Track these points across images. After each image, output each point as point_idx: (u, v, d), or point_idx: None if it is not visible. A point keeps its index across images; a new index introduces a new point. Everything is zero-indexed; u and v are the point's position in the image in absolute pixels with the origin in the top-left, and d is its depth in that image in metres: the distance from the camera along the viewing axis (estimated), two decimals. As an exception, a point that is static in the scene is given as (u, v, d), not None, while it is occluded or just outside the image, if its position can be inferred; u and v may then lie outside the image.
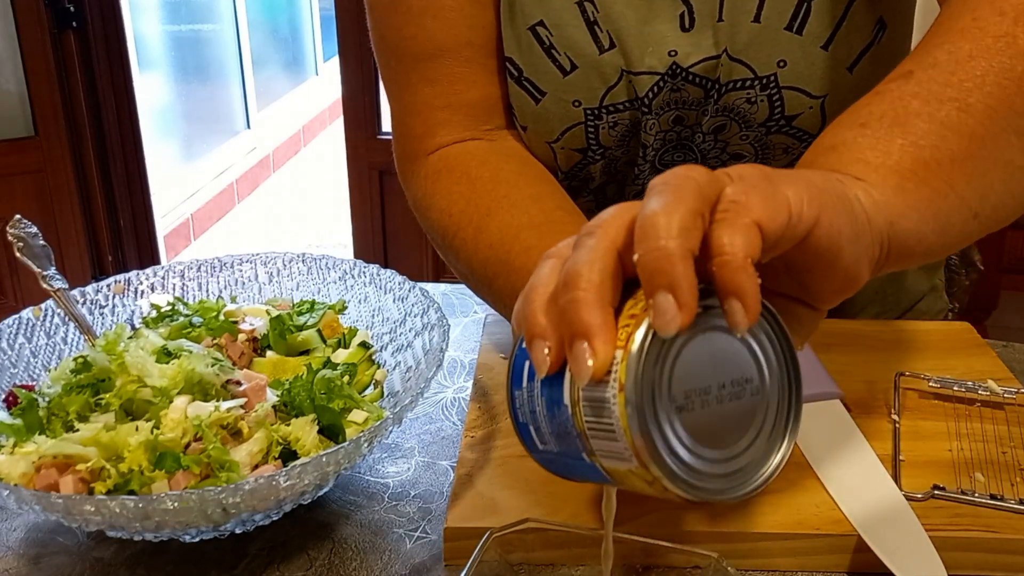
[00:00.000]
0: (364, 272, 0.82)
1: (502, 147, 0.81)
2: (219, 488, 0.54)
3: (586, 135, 0.80)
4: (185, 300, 0.82)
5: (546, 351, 0.41)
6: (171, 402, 0.63)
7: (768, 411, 0.42)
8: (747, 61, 0.74)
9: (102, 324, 0.79)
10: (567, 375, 0.41)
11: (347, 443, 0.58)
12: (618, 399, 0.38)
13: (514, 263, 0.70)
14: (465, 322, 0.93)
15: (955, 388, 0.75)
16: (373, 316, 0.80)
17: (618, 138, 0.80)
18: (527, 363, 0.43)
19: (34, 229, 0.80)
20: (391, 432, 0.63)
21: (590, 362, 0.38)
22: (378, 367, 0.76)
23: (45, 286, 0.76)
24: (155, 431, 0.61)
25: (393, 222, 2.98)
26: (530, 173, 0.79)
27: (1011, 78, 0.52)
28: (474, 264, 0.74)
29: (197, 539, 0.62)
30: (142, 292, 0.82)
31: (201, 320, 0.76)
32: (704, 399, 0.40)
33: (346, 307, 0.80)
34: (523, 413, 0.44)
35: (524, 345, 0.43)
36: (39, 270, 0.77)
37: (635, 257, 0.38)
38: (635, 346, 0.38)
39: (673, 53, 0.74)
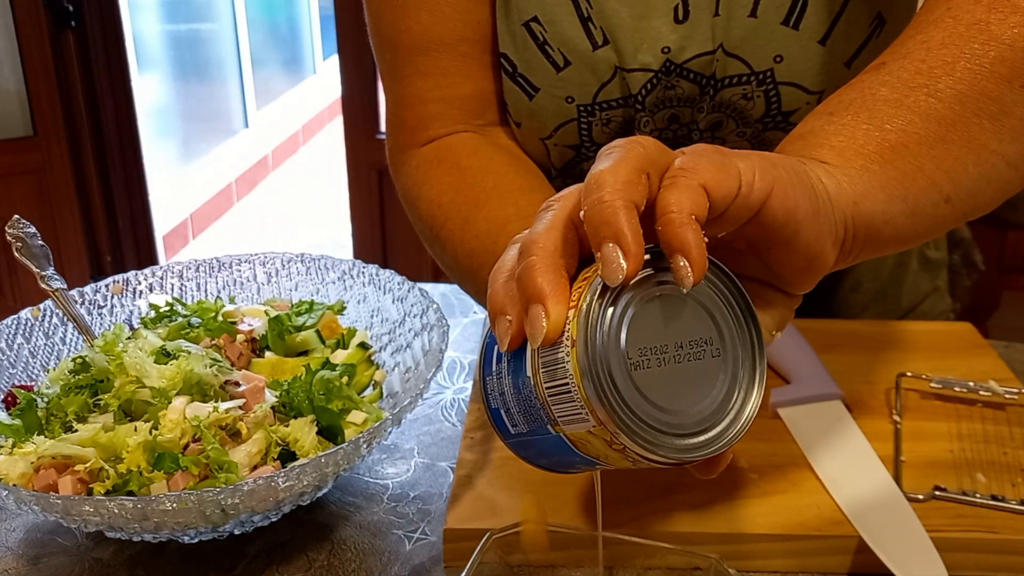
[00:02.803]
0: (363, 272, 0.82)
1: (493, 140, 0.81)
2: (218, 489, 0.54)
3: (579, 132, 0.80)
4: (183, 300, 0.81)
5: (508, 324, 0.42)
6: (170, 403, 0.63)
7: (731, 370, 0.43)
8: (743, 56, 0.74)
9: (101, 324, 0.78)
10: (528, 347, 0.42)
11: (346, 444, 0.58)
12: (570, 355, 0.39)
13: (499, 254, 0.69)
14: (465, 323, 0.93)
15: (956, 389, 0.74)
16: (372, 316, 0.80)
17: (611, 135, 0.80)
18: (495, 347, 0.44)
19: (33, 229, 0.79)
20: (390, 433, 0.63)
21: (544, 323, 0.39)
22: (377, 368, 0.76)
23: (44, 286, 0.76)
24: (154, 432, 0.61)
25: (393, 222, 2.97)
26: (520, 165, 0.79)
27: (982, 63, 0.52)
28: (460, 255, 0.74)
29: (196, 540, 0.62)
30: (140, 292, 0.81)
31: (200, 320, 0.76)
32: (660, 357, 0.40)
33: (345, 307, 0.80)
34: (494, 398, 0.45)
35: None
36: (38, 270, 0.77)
37: (581, 214, 0.40)
38: (584, 303, 0.39)
39: (667, 49, 0.74)
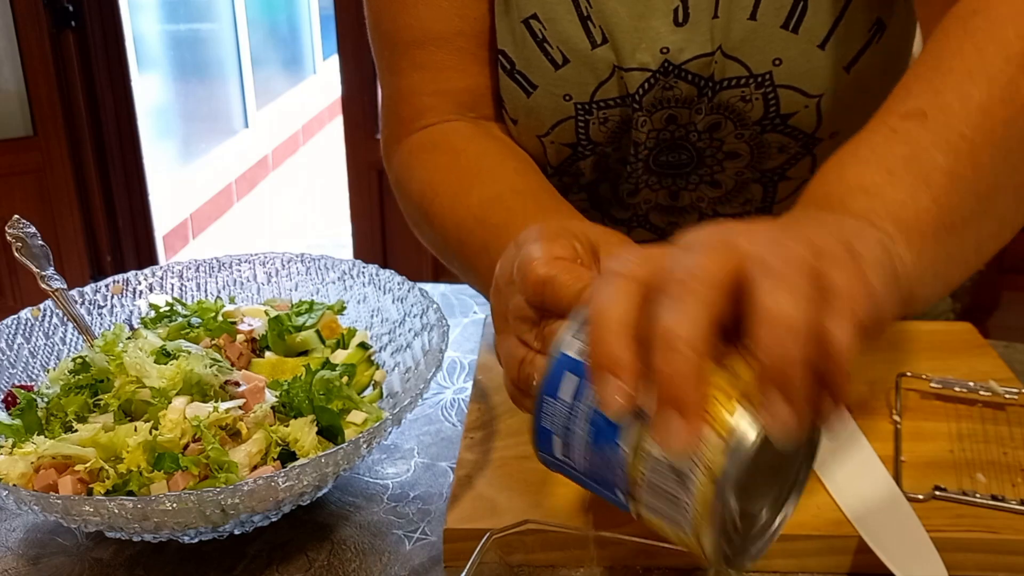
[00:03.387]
0: (363, 272, 0.82)
1: (487, 130, 0.82)
2: (218, 489, 0.54)
3: (576, 130, 0.80)
4: (183, 300, 0.81)
5: (622, 393, 0.38)
6: (170, 403, 0.63)
7: (785, 482, 0.42)
8: (742, 59, 0.74)
9: (101, 324, 0.78)
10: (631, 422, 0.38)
11: (346, 444, 0.58)
12: (704, 484, 0.36)
13: (491, 220, 0.69)
14: (465, 323, 0.93)
15: (956, 389, 0.74)
16: (372, 316, 0.80)
17: (608, 134, 0.80)
18: (568, 376, 0.41)
19: (33, 229, 0.79)
20: (390, 433, 0.63)
21: (682, 438, 0.36)
22: (377, 368, 0.76)
23: (44, 286, 0.76)
24: (154, 432, 0.61)
25: (393, 222, 2.97)
26: (514, 153, 0.80)
27: (1013, 134, 0.52)
28: (448, 226, 0.73)
29: (196, 540, 0.62)
30: (140, 292, 0.81)
31: (200, 320, 0.76)
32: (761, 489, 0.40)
33: (345, 307, 0.80)
34: (551, 422, 0.42)
35: (570, 354, 0.40)
36: (37, 270, 0.77)
37: (759, 365, 0.36)
38: (745, 447, 0.36)
39: (665, 50, 0.74)
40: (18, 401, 0.67)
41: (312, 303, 0.79)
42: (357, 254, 3.07)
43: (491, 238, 0.67)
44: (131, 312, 0.80)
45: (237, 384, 0.67)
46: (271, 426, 0.64)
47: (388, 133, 0.85)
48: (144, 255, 3.36)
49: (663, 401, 0.36)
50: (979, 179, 0.51)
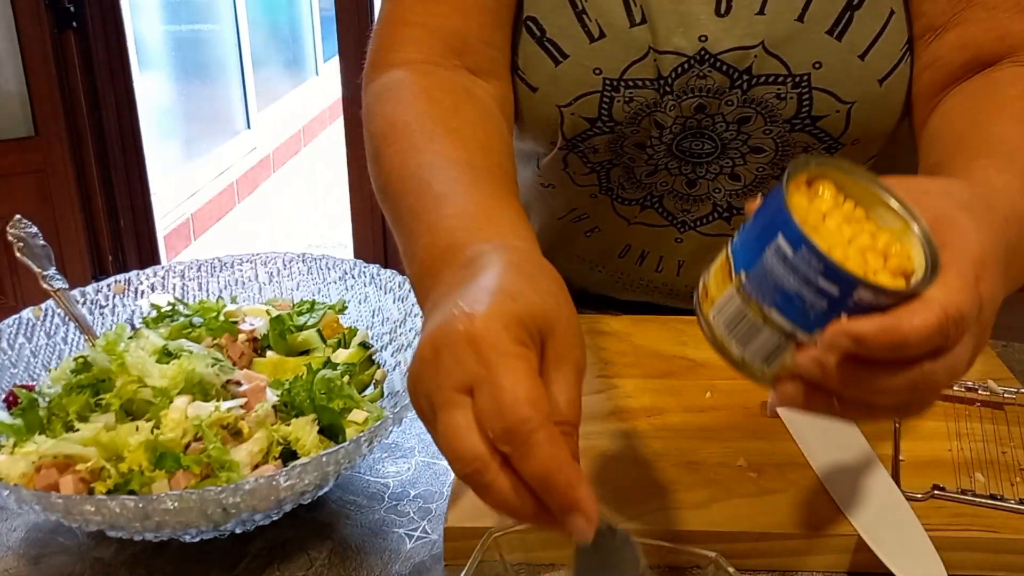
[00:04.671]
0: (364, 272, 0.82)
1: (470, 88, 0.77)
2: (219, 488, 0.55)
3: (600, 105, 0.79)
4: (185, 300, 0.82)
5: None
6: (171, 402, 0.63)
7: None
8: (783, 57, 0.75)
9: (102, 324, 0.79)
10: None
11: (347, 443, 0.58)
12: None
13: (434, 187, 0.64)
14: (465, 322, 0.93)
15: (955, 388, 0.75)
16: (373, 316, 0.80)
17: (631, 115, 0.79)
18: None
19: (34, 229, 0.80)
20: (391, 432, 0.64)
21: None
22: (378, 367, 0.76)
23: (45, 286, 0.77)
24: (155, 431, 0.61)
25: (393, 222, 2.97)
26: (485, 121, 0.74)
27: None
28: (393, 173, 0.69)
29: (197, 539, 0.62)
30: (142, 292, 0.82)
31: (201, 320, 0.76)
32: None
33: (346, 307, 0.80)
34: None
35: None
36: (39, 270, 0.77)
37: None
38: None
39: (704, 38, 0.75)
40: (20, 401, 0.67)
41: (313, 303, 0.79)
42: (358, 254, 3.07)
43: (424, 207, 0.63)
44: (133, 312, 0.81)
45: (239, 383, 0.67)
46: (272, 425, 0.64)
47: (369, 61, 0.81)
48: (146, 255, 3.36)
49: None
50: None
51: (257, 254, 0.85)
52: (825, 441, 0.68)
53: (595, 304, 0.97)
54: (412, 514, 0.66)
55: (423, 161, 0.66)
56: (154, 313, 0.79)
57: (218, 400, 0.64)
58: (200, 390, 0.65)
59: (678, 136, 0.81)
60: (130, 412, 0.65)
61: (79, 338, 0.77)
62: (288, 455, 0.64)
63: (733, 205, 0.85)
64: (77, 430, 0.63)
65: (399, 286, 0.79)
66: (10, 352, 0.73)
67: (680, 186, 0.85)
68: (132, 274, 0.82)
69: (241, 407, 0.64)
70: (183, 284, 0.83)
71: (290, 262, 0.85)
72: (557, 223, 0.93)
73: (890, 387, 0.43)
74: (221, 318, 0.76)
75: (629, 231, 0.89)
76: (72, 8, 2.94)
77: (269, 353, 0.76)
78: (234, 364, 0.71)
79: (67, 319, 0.76)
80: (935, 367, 0.43)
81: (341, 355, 0.75)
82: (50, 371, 0.73)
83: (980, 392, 0.74)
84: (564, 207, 0.91)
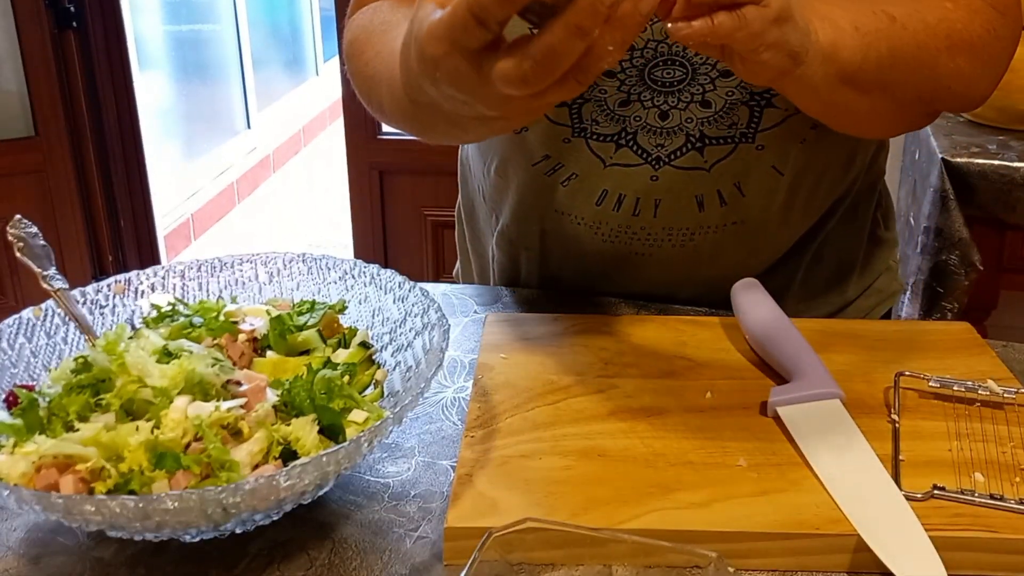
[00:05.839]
0: (364, 272, 0.82)
1: None
2: (219, 488, 0.55)
3: None
4: (185, 300, 0.82)
5: None
6: (171, 402, 0.63)
7: None
8: None
9: (102, 324, 0.79)
10: None
11: (347, 443, 0.58)
12: None
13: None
14: (465, 322, 0.93)
15: (955, 388, 0.75)
16: (373, 316, 0.80)
17: None
18: None
19: (34, 229, 0.80)
20: (391, 432, 0.64)
21: None
22: (378, 367, 0.76)
23: (45, 286, 0.77)
24: (155, 431, 0.61)
25: (393, 222, 2.97)
26: None
27: (914, 44, 0.71)
28: (374, 57, 0.77)
29: (197, 539, 0.62)
30: (142, 292, 0.82)
31: (201, 320, 0.76)
32: None
33: (346, 307, 0.80)
34: None
35: None
36: (39, 270, 0.77)
37: None
38: None
39: None
40: (19, 401, 0.67)
41: (313, 303, 0.79)
42: (358, 254, 3.07)
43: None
44: (133, 312, 0.81)
45: (239, 383, 0.67)
46: (272, 425, 0.64)
47: (350, 9, 0.89)
48: (146, 255, 3.36)
49: None
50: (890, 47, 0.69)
51: (257, 254, 0.85)
52: (825, 441, 0.68)
53: (595, 304, 0.97)
54: (412, 514, 0.66)
55: (398, 33, 0.71)
56: (154, 313, 0.79)
57: (218, 400, 0.64)
58: (200, 390, 0.65)
59: (649, 63, 0.82)
60: (130, 412, 0.65)
61: (79, 338, 0.77)
62: (288, 455, 0.64)
63: (705, 134, 0.86)
64: (77, 430, 0.63)
65: (399, 286, 0.79)
66: (10, 352, 0.73)
67: (653, 119, 0.86)
68: (132, 274, 0.82)
69: (241, 407, 0.64)
70: (183, 284, 0.83)
71: (290, 262, 0.85)
72: (534, 173, 0.94)
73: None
74: (221, 318, 0.76)
75: (605, 174, 0.90)
76: (72, 8, 2.94)
77: (269, 353, 0.76)
78: (234, 364, 0.71)
79: (67, 319, 0.76)
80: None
81: (341, 355, 0.75)
82: (50, 371, 0.73)
83: (980, 392, 0.74)
84: (539, 151, 0.92)
